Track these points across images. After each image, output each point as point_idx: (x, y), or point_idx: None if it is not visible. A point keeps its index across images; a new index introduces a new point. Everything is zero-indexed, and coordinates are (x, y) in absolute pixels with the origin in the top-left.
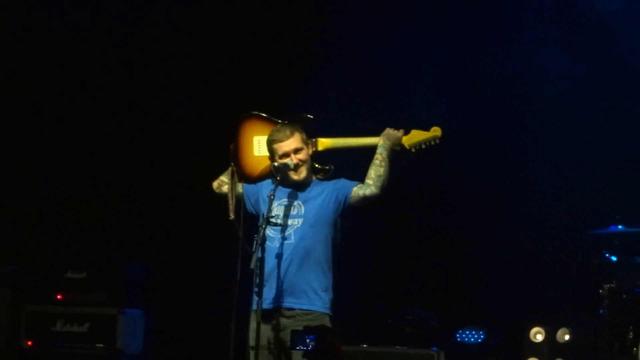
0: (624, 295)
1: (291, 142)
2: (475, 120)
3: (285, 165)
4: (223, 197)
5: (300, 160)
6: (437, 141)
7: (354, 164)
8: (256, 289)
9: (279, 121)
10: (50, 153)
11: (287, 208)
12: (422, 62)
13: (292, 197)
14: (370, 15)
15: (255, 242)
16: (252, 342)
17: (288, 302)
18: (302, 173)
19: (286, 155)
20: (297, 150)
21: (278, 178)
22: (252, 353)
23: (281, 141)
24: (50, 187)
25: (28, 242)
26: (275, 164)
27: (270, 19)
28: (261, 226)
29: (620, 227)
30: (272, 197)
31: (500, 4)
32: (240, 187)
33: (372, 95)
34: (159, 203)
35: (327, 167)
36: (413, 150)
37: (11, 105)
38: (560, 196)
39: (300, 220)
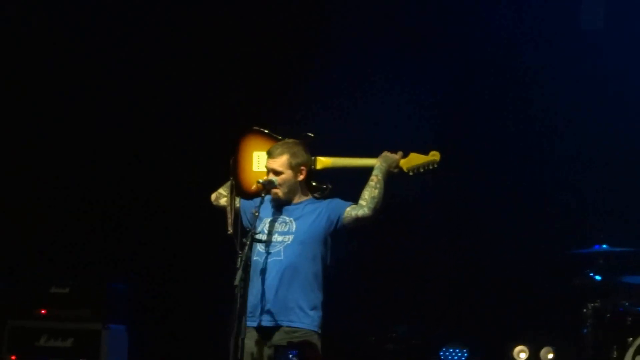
0: (608, 315)
1: (274, 162)
2: (462, 140)
3: (270, 182)
4: (220, 209)
5: (277, 182)
6: (435, 165)
7: (350, 184)
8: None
9: (279, 138)
10: (35, 168)
11: (279, 224)
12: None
13: (284, 214)
14: (371, 34)
15: (239, 258)
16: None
17: (276, 319)
18: (276, 195)
19: (268, 171)
20: (276, 173)
21: (262, 195)
22: None
23: (270, 155)
24: (34, 202)
25: (11, 256)
26: (260, 180)
27: (274, 32)
28: (246, 243)
29: (604, 246)
30: (256, 214)
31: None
32: (237, 202)
33: (369, 116)
34: (143, 219)
35: (324, 186)
36: (411, 173)
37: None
38: (544, 215)
39: (291, 237)
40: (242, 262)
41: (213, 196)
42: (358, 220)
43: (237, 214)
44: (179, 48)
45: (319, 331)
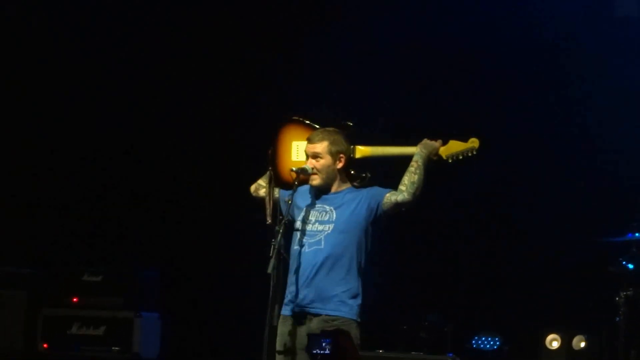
0: None
1: (314, 146)
2: (495, 126)
3: (303, 170)
4: (259, 201)
5: (315, 167)
6: (475, 152)
7: (391, 173)
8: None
9: (318, 127)
10: (67, 157)
11: (319, 213)
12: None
13: (324, 203)
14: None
15: (272, 246)
16: (278, 346)
17: (315, 307)
18: (315, 180)
19: (307, 155)
20: (315, 156)
21: (296, 183)
22: (278, 357)
23: (310, 141)
24: (66, 191)
25: (44, 245)
26: (294, 168)
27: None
28: (279, 231)
29: (637, 234)
30: (289, 202)
31: None
32: (276, 192)
33: (411, 105)
34: (175, 205)
35: (363, 175)
36: (450, 160)
37: (27, 107)
38: (577, 203)
39: (331, 227)
40: (275, 250)
41: (252, 187)
42: (398, 205)
43: (275, 204)
44: (191, 45)
45: (359, 320)
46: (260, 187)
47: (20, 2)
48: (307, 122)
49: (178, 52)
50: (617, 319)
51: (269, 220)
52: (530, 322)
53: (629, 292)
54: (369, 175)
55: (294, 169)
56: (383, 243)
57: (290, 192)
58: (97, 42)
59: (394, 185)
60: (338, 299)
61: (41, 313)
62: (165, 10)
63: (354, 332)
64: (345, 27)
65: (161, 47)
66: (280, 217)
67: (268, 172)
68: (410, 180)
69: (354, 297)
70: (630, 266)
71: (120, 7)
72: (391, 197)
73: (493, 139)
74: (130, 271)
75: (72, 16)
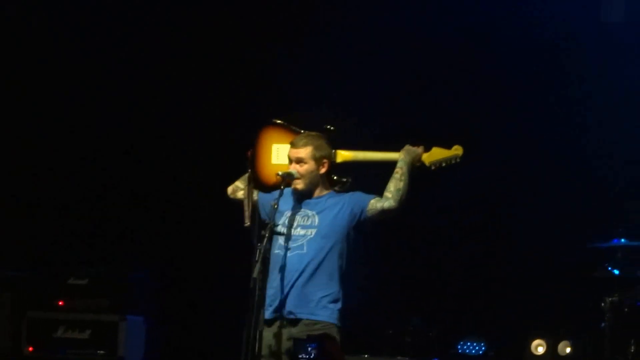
0: (626, 309)
1: (298, 151)
2: (481, 132)
3: (289, 175)
4: (237, 203)
5: (299, 172)
6: (458, 160)
7: (371, 178)
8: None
9: (300, 131)
10: (53, 157)
11: (301, 218)
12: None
13: (306, 207)
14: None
15: (258, 251)
16: (263, 350)
17: (297, 312)
18: (298, 185)
19: (290, 160)
20: (299, 161)
21: (282, 187)
22: None
23: (293, 146)
24: (52, 192)
25: (30, 247)
26: (280, 172)
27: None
28: (265, 235)
29: (622, 240)
30: (275, 207)
31: None
32: (255, 195)
33: (393, 109)
34: (161, 209)
35: (344, 180)
36: (433, 167)
37: (14, 107)
38: (563, 208)
39: (314, 231)
40: (261, 255)
41: (230, 189)
42: (384, 212)
43: (254, 206)
44: (191, 45)
45: (339, 324)
46: (237, 189)
47: (20, 2)
48: (288, 125)
49: (178, 52)
50: (603, 324)
51: (248, 223)
52: (515, 327)
53: (614, 298)
54: (350, 180)
55: (280, 173)
56: (368, 248)
57: (274, 196)
58: (97, 42)
59: (375, 190)
60: (319, 304)
61: (26, 316)
62: (165, 10)
63: (335, 337)
64: (344, 27)
65: (161, 47)
66: (267, 221)
67: (247, 174)
68: (396, 187)
69: (335, 301)
70: (616, 272)
71: (120, 7)
72: (376, 204)
73: (482, 144)
74: (116, 275)
75: (72, 16)
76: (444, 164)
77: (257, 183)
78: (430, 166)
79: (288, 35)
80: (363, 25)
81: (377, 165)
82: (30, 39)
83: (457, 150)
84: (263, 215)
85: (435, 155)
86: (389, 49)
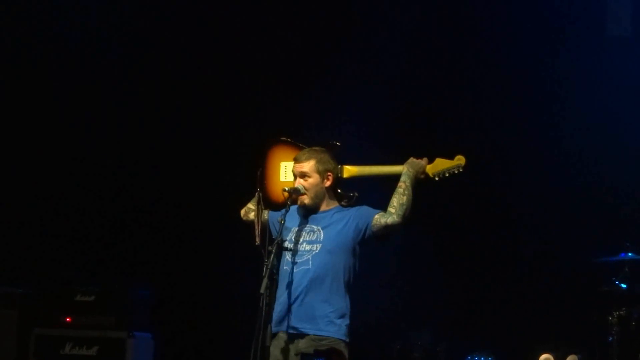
0: (634, 323)
1: (301, 165)
2: (485, 145)
3: (295, 190)
4: (250, 224)
5: (303, 186)
6: (461, 170)
7: (378, 192)
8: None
9: (306, 147)
10: (60, 175)
11: (307, 233)
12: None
13: (311, 223)
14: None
15: (265, 266)
16: None
17: (303, 327)
18: (306, 200)
19: (295, 176)
20: (302, 175)
21: (288, 203)
22: None
23: (296, 161)
24: (58, 210)
25: (37, 264)
26: (286, 188)
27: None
28: (272, 251)
29: (630, 254)
30: (282, 222)
31: None
32: (265, 214)
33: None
34: (169, 225)
35: (350, 194)
36: (437, 178)
37: (15, 126)
38: (570, 223)
39: (319, 246)
40: (268, 271)
41: (242, 212)
42: (387, 227)
43: (265, 225)
44: (200, 67)
45: (347, 340)
46: (250, 211)
47: (20, 2)
48: (295, 142)
49: (187, 74)
50: (610, 338)
51: (258, 241)
52: (523, 341)
53: (621, 312)
54: (356, 194)
55: (286, 188)
56: (376, 261)
57: (281, 212)
58: (97, 43)
59: (382, 204)
60: (326, 319)
61: (33, 332)
62: (169, 15)
63: (343, 352)
64: (349, 44)
65: (170, 68)
66: (274, 238)
67: (257, 194)
68: (399, 202)
69: (342, 316)
70: (624, 286)
71: (121, 7)
72: (380, 219)
73: (488, 158)
74: (123, 291)
75: (72, 16)
76: (447, 174)
77: (267, 202)
78: (434, 177)
79: (293, 59)
80: (367, 40)
81: (384, 179)
82: (30, 39)
83: (460, 160)
84: (274, 233)
85: (438, 166)
86: (390, 61)
